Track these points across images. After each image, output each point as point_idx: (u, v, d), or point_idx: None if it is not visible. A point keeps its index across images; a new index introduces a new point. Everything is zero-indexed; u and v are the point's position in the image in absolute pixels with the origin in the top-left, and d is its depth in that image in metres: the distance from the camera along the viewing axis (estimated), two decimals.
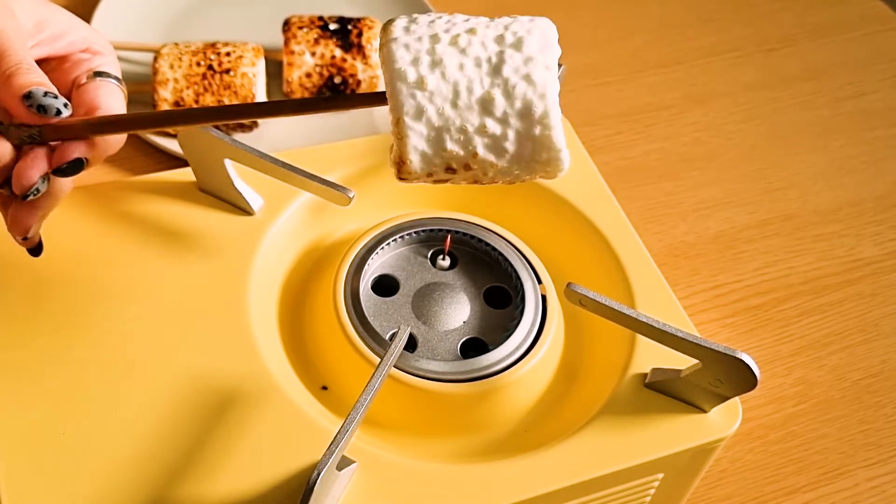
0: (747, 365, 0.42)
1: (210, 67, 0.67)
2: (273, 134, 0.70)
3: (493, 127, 0.36)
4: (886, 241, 0.72)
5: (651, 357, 0.48)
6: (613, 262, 0.52)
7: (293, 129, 0.70)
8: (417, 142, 0.36)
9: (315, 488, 0.37)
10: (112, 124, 0.40)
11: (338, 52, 0.70)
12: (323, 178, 0.48)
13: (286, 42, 0.70)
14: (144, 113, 0.41)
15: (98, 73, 0.42)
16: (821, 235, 0.72)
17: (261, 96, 0.69)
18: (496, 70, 0.36)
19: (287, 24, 0.71)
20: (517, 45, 0.36)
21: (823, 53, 0.87)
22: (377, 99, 0.37)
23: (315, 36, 0.70)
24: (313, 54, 0.70)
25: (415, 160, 0.37)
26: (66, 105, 0.39)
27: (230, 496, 0.41)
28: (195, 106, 0.66)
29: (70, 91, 0.42)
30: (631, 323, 0.44)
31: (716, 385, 0.44)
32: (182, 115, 0.45)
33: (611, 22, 0.87)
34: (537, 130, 0.37)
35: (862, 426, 0.61)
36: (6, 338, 0.45)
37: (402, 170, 0.37)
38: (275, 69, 0.73)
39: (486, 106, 0.36)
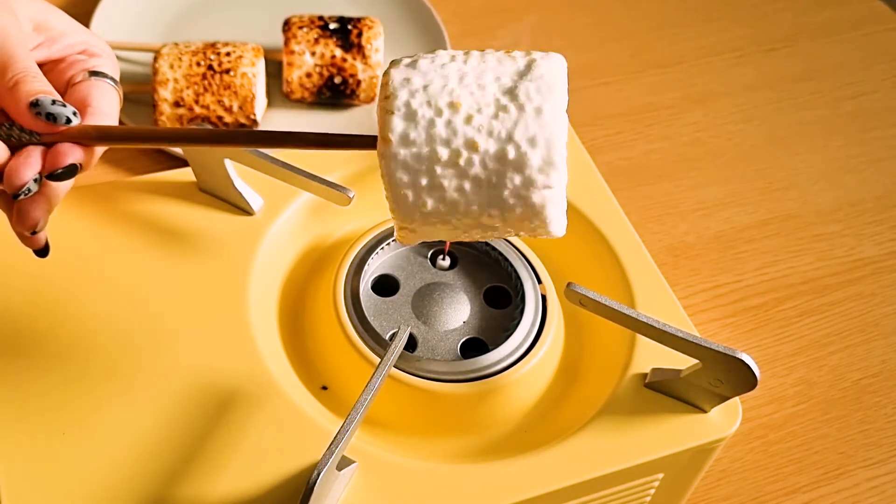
0: (747, 365, 0.42)
1: (210, 67, 0.67)
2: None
3: (493, 227, 0.38)
4: (886, 241, 0.72)
5: (651, 357, 0.48)
6: (613, 262, 0.52)
7: (293, 129, 0.70)
8: (417, 236, 0.38)
9: (315, 488, 0.37)
10: (113, 137, 0.40)
11: (338, 52, 0.70)
12: (323, 178, 0.48)
13: (286, 42, 0.70)
14: (145, 129, 0.41)
15: (94, 73, 0.42)
16: (821, 235, 0.72)
17: (261, 96, 0.69)
18: (496, 193, 0.36)
19: (287, 24, 0.71)
20: (519, 164, 0.35)
21: (823, 53, 0.87)
22: (371, 143, 0.37)
23: (315, 36, 0.70)
24: (313, 54, 0.70)
25: (415, 242, 0.39)
26: (75, 114, 0.39)
27: (230, 496, 0.41)
28: (194, 107, 0.66)
29: (65, 90, 0.41)
30: (631, 323, 0.44)
31: (716, 385, 0.44)
32: (183, 135, 0.45)
33: (611, 22, 0.87)
34: (533, 230, 0.38)
35: (862, 426, 0.61)
36: (6, 338, 0.45)
37: (399, 226, 0.39)
38: (275, 69, 0.73)
39: (483, 219, 0.37)
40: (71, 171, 0.39)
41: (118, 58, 0.76)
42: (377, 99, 0.37)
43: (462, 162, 0.35)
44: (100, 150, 0.41)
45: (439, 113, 0.35)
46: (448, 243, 0.51)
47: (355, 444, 0.43)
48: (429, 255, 0.52)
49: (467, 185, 0.36)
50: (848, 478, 0.59)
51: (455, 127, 0.35)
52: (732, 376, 0.43)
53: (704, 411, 0.46)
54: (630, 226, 0.54)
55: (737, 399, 0.46)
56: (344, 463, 0.42)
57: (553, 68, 0.36)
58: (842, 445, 0.60)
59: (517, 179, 0.36)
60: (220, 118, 0.68)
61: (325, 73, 0.70)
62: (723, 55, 0.85)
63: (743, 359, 0.42)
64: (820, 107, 0.82)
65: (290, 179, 0.48)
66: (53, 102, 0.38)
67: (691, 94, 0.81)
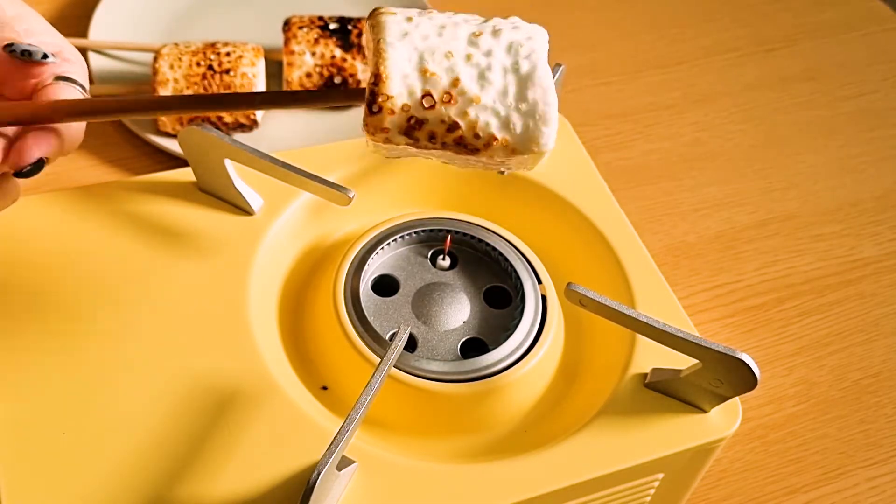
0: (747, 365, 0.42)
1: (210, 67, 0.67)
2: (273, 134, 0.70)
3: (479, 58, 0.36)
4: (886, 241, 0.72)
5: (651, 357, 0.48)
6: (613, 262, 0.52)
7: (293, 129, 0.71)
8: (398, 60, 0.35)
9: (315, 488, 0.37)
10: (77, 111, 0.39)
11: (338, 52, 0.70)
12: (323, 178, 0.48)
13: (286, 42, 0.70)
14: (108, 99, 0.40)
15: (62, 78, 0.41)
16: (821, 235, 0.72)
17: None
18: (492, 32, 0.36)
19: (287, 24, 0.71)
20: (511, 28, 0.37)
21: (823, 53, 0.87)
22: (359, 95, 0.36)
23: (315, 36, 0.70)
24: (313, 54, 0.70)
25: (394, 77, 0.35)
26: (53, 55, 0.38)
27: (230, 496, 0.41)
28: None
29: (31, 94, 0.41)
30: (631, 323, 0.44)
31: (716, 385, 0.44)
32: (153, 104, 0.44)
33: (611, 22, 0.87)
34: (524, 66, 0.36)
35: (862, 426, 0.61)
36: (6, 338, 0.45)
37: (378, 92, 0.35)
38: (275, 69, 0.73)
39: (472, 40, 0.36)
40: (39, 165, 0.38)
41: (118, 58, 0.76)
42: (365, 40, 0.36)
43: (459, 54, 0.35)
44: (69, 140, 0.40)
45: (436, 47, 0.36)
46: (448, 243, 0.51)
47: (355, 444, 0.43)
48: (429, 255, 0.52)
49: (455, 27, 0.36)
50: (848, 478, 0.59)
51: (452, 50, 0.36)
52: (732, 376, 0.43)
53: (704, 411, 0.46)
54: (630, 226, 0.54)
55: (737, 399, 0.46)
56: (344, 463, 0.42)
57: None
58: (842, 445, 0.60)
59: (507, 32, 0.37)
60: (219, 118, 0.68)
61: (325, 74, 0.70)
62: (723, 55, 0.85)
63: (743, 359, 0.42)
64: (820, 107, 0.82)
65: (290, 179, 0.48)
66: (28, 45, 0.38)
67: (691, 94, 0.81)
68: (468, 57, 0.36)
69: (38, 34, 0.42)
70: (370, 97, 0.35)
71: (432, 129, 0.35)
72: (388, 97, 0.35)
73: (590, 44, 0.84)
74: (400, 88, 0.35)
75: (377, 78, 0.35)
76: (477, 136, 0.35)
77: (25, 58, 0.38)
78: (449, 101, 0.35)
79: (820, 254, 0.71)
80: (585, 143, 0.58)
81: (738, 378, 0.43)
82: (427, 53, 0.35)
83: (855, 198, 0.75)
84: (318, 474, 0.37)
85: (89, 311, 0.47)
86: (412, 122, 0.35)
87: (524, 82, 0.36)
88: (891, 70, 0.86)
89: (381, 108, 0.35)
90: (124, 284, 0.48)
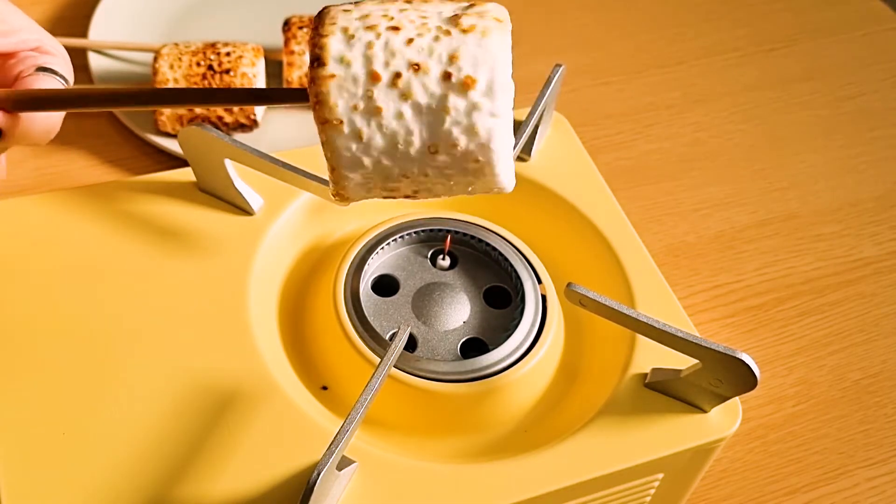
0: (747, 365, 0.42)
1: (210, 67, 0.67)
2: (273, 134, 0.70)
3: (434, 173, 0.35)
4: (886, 241, 0.72)
5: (651, 357, 0.48)
6: (613, 262, 0.52)
7: (293, 129, 0.71)
8: (355, 185, 0.36)
9: (315, 488, 0.37)
10: (36, 101, 0.39)
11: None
12: (323, 178, 0.48)
13: (286, 42, 0.70)
14: (65, 90, 0.39)
15: (43, 69, 0.41)
16: (821, 235, 0.72)
17: None
18: (438, 120, 0.33)
19: (287, 24, 0.71)
20: (462, 87, 0.33)
21: (823, 53, 0.87)
22: (301, 96, 0.36)
23: None
24: None
25: (353, 196, 0.36)
26: (32, 49, 0.38)
27: (230, 496, 0.41)
28: (194, 107, 0.66)
29: (12, 85, 0.41)
30: (631, 323, 0.44)
31: (716, 385, 0.44)
32: (111, 96, 0.43)
33: (611, 22, 0.87)
34: (480, 173, 0.35)
35: (862, 426, 0.61)
36: (6, 338, 0.45)
37: (339, 200, 0.37)
38: (275, 69, 0.73)
39: (425, 159, 0.34)
40: None
41: (118, 58, 0.76)
42: (310, 33, 0.35)
43: (401, 84, 0.33)
44: (38, 126, 0.39)
45: (378, 35, 0.33)
46: (448, 243, 0.51)
47: (355, 444, 0.43)
48: (429, 255, 0.52)
49: (407, 111, 0.33)
50: (848, 478, 0.59)
51: (394, 48, 0.33)
52: (732, 376, 0.43)
53: (704, 411, 0.46)
54: (630, 226, 0.54)
55: (737, 399, 0.46)
56: (344, 463, 0.42)
57: (495, 6, 0.35)
58: (842, 445, 0.60)
59: (461, 104, 0.33)
60: (220, 118, 0.68)
61: None
62: (723, 55, 0.85)
63: (743, 359, 0.42)
64: (820, 107, 0.82)
65: (290, 179, 0.48)
66: None
67: (691, 94, 0.81)
68: (423, 174, 0.35)
69: (17, 32, 0.42)
70: (335, 199, 0.37)
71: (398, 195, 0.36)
72: (350, 201, 0.37)
73: (590, 44, 0.84)
74: (361, 194, 0.36)
75: (337, 194, 0.37)
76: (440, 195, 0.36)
77: None
78: (405, 162, 0.35)
79: (820, 254, 0.71)
80: (585, 143, 0.58)
81: (738, 378, 0.43)
82: (382, 176, 0.35)
83: (855, 198, 0.75)
84: (318, 474, 0.37)
85: (89, 311, 0.47)
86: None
87: (483, 149, 0.34)
88: (891, 70, 0.86)
89: (346, 205, 0.37)
90: (124, 284, 0.48)
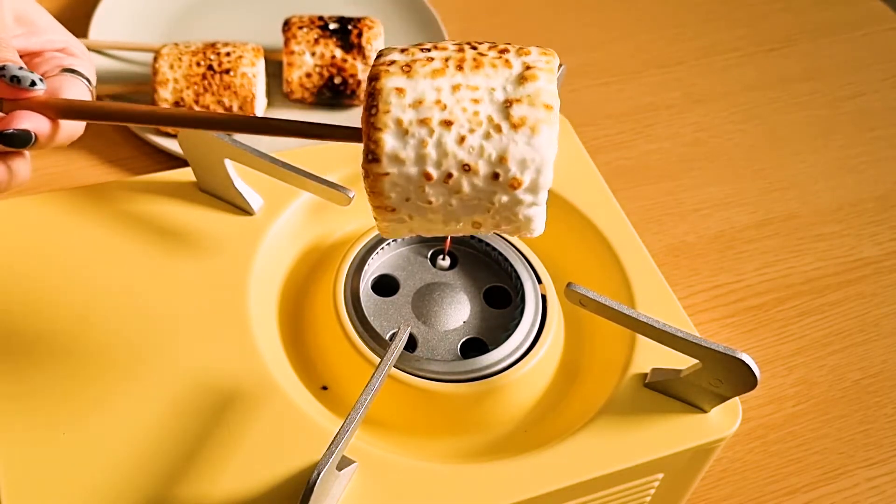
0: (747, 365, 0.42)
1: (210, 67, 0.67)
2: None
3: (476, 232, 0.38)
4: (886, 241, 0.72)
5: (651, 357, 0.48)
6: (613, 262, 0.52)
7: None
8: (399, 234, 0.38)
9: (315, 488, 0.37)
10: (78, 111, 0.39)
11: (338, 53, 0.70)
12: (323, 178, 0.48)
13: (286, 42, 0.70)
14: (114, 105, 0.40)
15: (68, 70, 0.41)
16: (821, 235, 0.72)
17: (260, 96, 0.69)
18: (482, 208, 0.36)
19: (287, 24, 0.71)
20: (510, 186, 0.35)
21: (823, 53, 0.87)
22: (354, 136, 0.37)
23: (315, 36, 0.70)
24: (313, 54, 0.70)
25: (393, 235, 0.38)
26: (41, 80, 0.38)
27: (230, 496, 0.41)
28: (195, 107, 0.67)
29: None
30: (631, 323, 0.44)
31: (716, 385, 0.44)
32: (156, 116, 0.44)
33: (611, 22, 0.87)
34: (516, 231, 0.38)
35: (862, 426, 0.61)
36: (5, 338, 0.45)
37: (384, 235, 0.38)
38: (275, 69, 0.73)
39: (470, 227, 0.37)
40: (24, 137, 0.38)
41: (118, 58, 0.76)
42: (364, 100, 0.36)
43: (452, 182, 0.35)
44: (66, 130, 0.40)
45: (431, 133, 0.34)
46: (448, 243, 0.51)
47: (355, 444, 0.43)
48: (429, 255, 0.52)
49: (454, 202, 0.36)
50: (848, 478, 0.59)
51: (446, 148, 0.35)
52: (732, 376, 0.43)
53: (704, 411, 0.46)
54: (630, 226, 0.54)
55: (737, 399, 0.46)
56: (344, 463, 0.42)
57: (548, 79, 0.35)
58: (842, 445, 0.60)
59: (504, 199, 0.35)
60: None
61: (325, 74, 0.70)
62: (723, 55, 0.85)
63: (743, 359, 0.42)
64: (820, 107, 0.82)
65: (290, 179, 0.48)
66: (20, 69, 0.38)
67: (691, 94, 0.81)
68: (462, 213, 0.37)
69: (43, 32, 0.42)
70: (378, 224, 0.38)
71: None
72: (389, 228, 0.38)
73: (590, 44, 0.84)
74: (397, 226, 0.38)
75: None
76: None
77: (14, 84, 0.38)
78: (449, 226, 0.37)
79: (820, 254, 0.71)
80: (585, 143, 0.58)
81: (738, 378, 0.43)
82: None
83: (855, 198, 0.75)
84: (318, 474, 0.37)
85: (89, 310, 0.47)
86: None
87: (521, 227, 0.37)
88: (891, 70, 0.86)
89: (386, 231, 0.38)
90: (124, 284, 0.48)
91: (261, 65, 0.69)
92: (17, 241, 0.49)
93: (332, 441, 0.38)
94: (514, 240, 0.52)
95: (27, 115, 0.39)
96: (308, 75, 0.70)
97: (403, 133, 0.34)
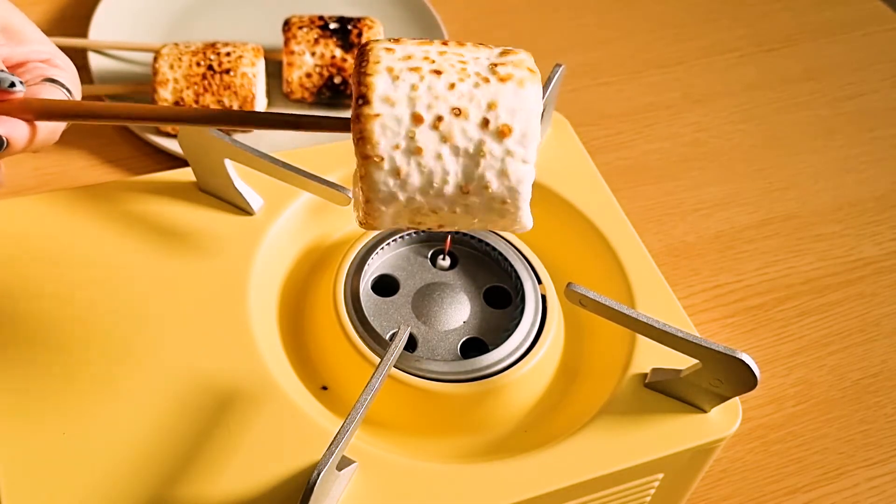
0: (747, 365, 0.42)
1: (210, 67, 0.67)
2: (273, 134, 0.70)
3: (462, 210, 0.37)
4: (886, 241, 0.72)
5: (651, 357, 0.48)
6: (613, 262, 0.52)
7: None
8: (385, 217, 0.37)
9: (315, 488, 0.37)
10: (56, 112, 0.39)
11: (338, 52, 0.70)
12: (323, 178, 0.48)
13: (286, 42, 0.70)
14: (92, 104, 0.40)
15: (50, 80, 0.41)
16: (821, 235, 0.72)
17: (260, 96, 0.69)
18: (474, 163, 0.35)
19: (287, 24, 0.71)
20: (499, 134, 0.35)
21: (823, 53, 0.87)
22: (342, 126, 0.36)
23: (315, 36, 0.70)
24: (313, 54, 0.70)
25: (381, 225, 0.37)
26: (21, 82, 0.38)
27: (230, 496, 0.41)
28: (194, 106, 0.66)
29: None
30: (631, 323, 0.44)
31: (716, 385, 0.44)
32: (137, 114, 0.43)
33: (611, 22, 0.87)
34: (505, 213, 0.37)
35: (862, 426, 0.61)
36: (6, 338, 0.45)
37: (366, 227, 0.37)
38: (275, 69, 0.73)
39: (457, 198, 0.36)
40: None
41: (118, 58, 0.76)
42: (354, 69, 0.36)
43: (443, 127, 0.35)
44: (41, 136, 0.40)
45: (422, 78, 0.35)
46: (448, 243, 0.51)
47: (355, 444, 0.43)
48: (429, 255, 0.52)
49: (446, 153, 0.35)
50: (848, 478, 0.59)
51: (437, 92, 0.35)
52: (732, 376, 0.43)
53: (704, 411, 0.46)
54: (630, 226, 0.54)
55: (737, 399, 0.46)
56: (344, 463, 0.42)
57: (528, 55, 0.36)
58: (842, 445, 0.60)
59: (496, 149, 0.35)
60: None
61: (325, 74, 0.70)
62: (723, 55, 0.85)
63: (743, 359, 0.42)
64: (820, 107, 0.82)
65: (290, 179, 0.48)
66: (0, 71, 0.38)
67: (691, 94, 0.81)
68: (452, 211, 0.37)
69: (29, 43, 0.42)
70: (360, 223, 0.37)
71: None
72: (374, 204, 0.36)
73: (590, 44, 0.84)
74: (389, 225, 0.37)
75: (366, 221, 0.37)
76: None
77: None
78: (438, 199, 0.36)
79: (820, 254, 0.71)
80: (585, 143, 0.58)
81: (738, 378, 0.43)
82: (412, 210, 0.36)
83: (855, 198, 0.75)
84: (318, 474, 0.37)
85: (89, 310, 0.47)
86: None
87: (512, 192, 0.36)
88: (891, 70, 0.86)
89: (369, 214, 0.37)
90: (124, 284, 0.48)
91: (261, 65, 0.69)
92: (17, 241, 0.49)
93: (332, 441, 0.38)
94: (515, 240, 0.52)
95: (2, 119, 0.38)
96: (308, 75, 0.70)
97: (394, 78, 0.35)
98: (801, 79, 0.84)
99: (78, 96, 0.43)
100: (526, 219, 0.37)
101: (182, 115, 0.43)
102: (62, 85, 0.41)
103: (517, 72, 0.35)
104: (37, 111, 0.39)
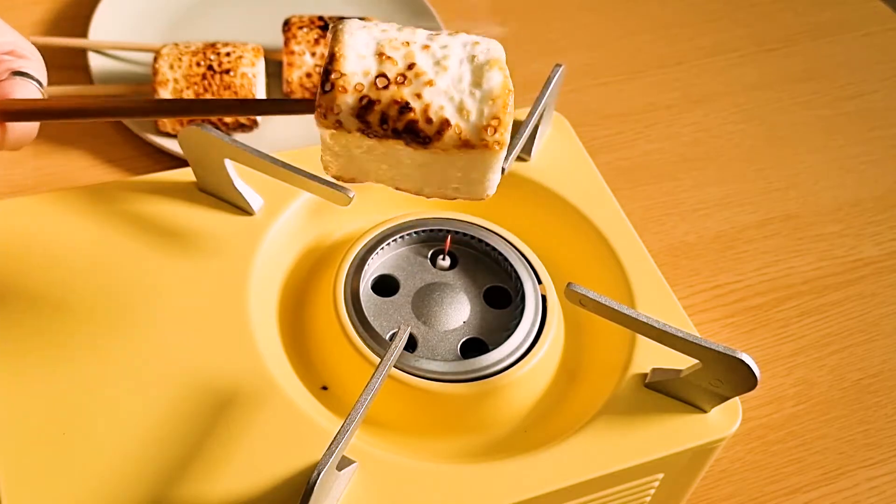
0: (747, 365, 0.42)
1: (210, 68, 0.67)
2: (273, 134, 0.70)
3: (435, 49, 0.36)
4: (886, 241, 0.72)
5: (651, 357, 0.48)
6: (613, 262, 0.52)
7: (293, 129, 0.71)
8: (354, 44, 0.36)
9: (315, 488, 0.37)
10: (19, 113, 0.39)
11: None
12: (323, 178, 0.48)
13: (286, 42, 0.70)
14: (51, 101, 0.39)
15: (18, 73, 0.41)
16: (821, 235, 0.72)
17: (261, 96, 0.69)
18: (441, 33, 0.36)
19: (287, 24, 0.71)
20: (478, 74, 0.36)
21: (823, 53, 0.87)
22: (308, 108, 0.36)
23: (315, 36, 0.70)
24: (313, 54, 0.70)
25: (349, 57, 0.36)
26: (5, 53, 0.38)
27: (230, 496, 0.41)
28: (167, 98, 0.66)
29: None
30: (631, 323, 0.44)
31: (716, 385, 0.44)
32: (100, 109, 0.43)
33: (611, 22, 0.87)
34: (480, 57, 0.36)
35: (862, 426, 0.61)
36: (5, 338, 0.45)
37: (332, 69, 0.35)
38: (275, 69, 0.73)
39: (430, 36, 0.36)
40: None
41: (118, 58, 0.76)
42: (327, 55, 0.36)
43: (416, 67, 0.35)
44: (14, 135, 0.40)
45: (394, 37, 0.36)
46: (448, 243, 0.51)
47: (355, 444, 0.43)
48: (429, 255, 0.52)
49: (416, 51, 0.35)
50: (848, 478, 0.59)
51: (411, 50, 0.35)
52: (732, 376, 0.43)
53: (704, 411, 0.46)
54: (630, 226, 0.54)
55: (737, 399, 0.46)
56: (344, 463, 0.42)
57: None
58: (842, 445, 0.60)
59: (459, 44, 0.36)
60: (219, 118, 0.68)
61: None
62: (723, 55, 0.85)
63: (743, 359, 0.42)
64: (820, 107, 0.82)
65: (290, 179, 0.48)
66: None
67: (691, 94, 0.81)
68: (425, 47, 0.36)
69: None
70: (324, 76, 0.35)
71: (384, 111, 0.35)
72: (342, 74, 0.35)
73: (590, 44, 0.84)
74: (354, 67, 0.35)
75: (332, 57, 0.35)
76: (429, 120, 0.35)
77: None
78: (402, 83, 0.35)
79: (820, 254, 0.71)
80: (585, 143, 0.58)
81: (738, 378, 0.43)
82: (384, 41, 0.35)
83: (855, 198, 0.75)
84: (318, 474, 0.37)
85: (89, 310, 0.47)
86: (364, 101, 0.35)
87: (480, 70, 0.36)
88: (891, 70, 0.86)
89: (333, 86, 0.35)
90: (124, 284, 0.48)
91: (261, 65, 0.69)
92: (17, 241, 0.49)
93: (332, 441, 0.38)
94: (515, 239, 0.52)
95: None
96: (308, 75, 0.70)
97: (366, 28, 0.36)
98: (801, 79, 0.84)
99: (45, 84, 0.42)
100: (498, 137, 0.36)
101: (152, 108, 0.42)
102: (30, 76, 0.41)
103: (483, 41, 0.36)
104: (6, 113, 0.39)
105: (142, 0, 0.78)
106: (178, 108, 0.40)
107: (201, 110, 0.38)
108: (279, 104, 0.38)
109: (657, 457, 0.45)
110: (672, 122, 0.79)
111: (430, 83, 0.35)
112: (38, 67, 0.42)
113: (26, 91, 0.40)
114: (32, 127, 0.40)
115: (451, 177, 0.37)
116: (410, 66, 0.35)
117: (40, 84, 0.41)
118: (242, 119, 0.68)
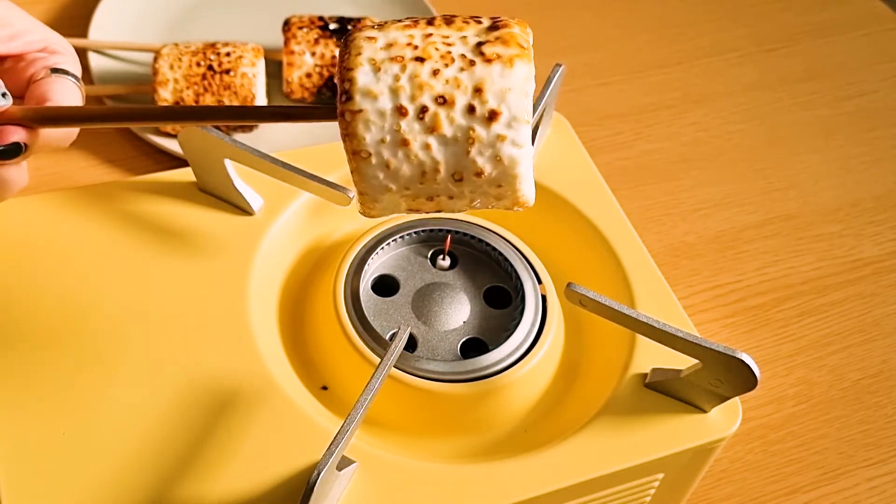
0: (747, 365, 0.42)
1: (210, 68, 0.67)
2: (273, 134, 0.70)
3: (458, 195, 0.36)
4: (886, 241, 0.72)
5: (651, 357, 0.48)
6: (613, 262, 0.52)
7: (293, 129, 0.71)
8: (381, 208, 0.36)
9: (315, 488, 0.37)
10: (54, 118, 0.39)
11: (338, 52, 0.70)
12: (323, 178, 0.48)
13: (286, 42, 0.70)
14: (91, 108, 0.39)
15: (55, 70, 0.41)
16: (821, 235, 0.72)
17: (260, 96, 0.69)
18: (463, 150, 0.34)
19: (287, 24, 0.71)
20: (487, 119, 0.34)
21: (823, 53, 0.87)
22: (331, 114, 0.36)
23: (315, 36, 0.70)
24: (313, 54, 0.70)
25: (379, 214, 0.37)
26: (3, 94, 0.38)
27: (230, 496, 0.41)
28: (193, 105, 0.66)
29: (25, 88, 0.41)
30: (631, 323, 0.44)
31: (716, 385, 0.44)
32: (135, 114, 0.43)
33: (611, 22, 0.87)
34: (502, 195, 0.36)
35: (862, 426, 0.61)
36: (5, 338, 0.45)
37: (365, 216, 0.37)
38: (275, 69, 0.73)
39: (450, 185, 0.35)
40: (15, 149, 0.38)
41: (118, 58, 0.76)
42: (338, 63, 0.36)
43: (427, 118, 0.34)
44: (48, 135, 0.40)
45: (403, 68, 0.34)
46: (448, 243, 0.51)
47: (355, 444, 0.43)
48: (429, 255, 0.52)
49: (433, 143, 0.34)
50: (848, 478, 0.59)
51: (420, 81, 0.34)
52: (732, 376, 0.43)
53: (704, 411, 0.46)
54: (630, 226, 0.54)
55: (737, 399, 0.46)
56: (344, 463, 0.42)
57: (521, 28, 0.36)
58: (842, 445, 0.60)
59: (485, 135, 0.34)
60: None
61: (325, 74, 0.70)
62: (723, 55, 0.85)
63: (743, 359, 0.42)
64: (820, 107, 0.82)
65: (290, 179, 0.48)
66: None
67: (691, 94, 0.81)
68: (448, 195, 0.36)
69: (21, 35, 0.42)
70: (361, 211, 0.37)
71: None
72: (369, 196, 0.36)
73: (590, 44, 0.84)
74: (386, 213, 0.37)
75: (364, 213, 0.37)
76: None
77: None
78: (432, 183, 0.35)
79: (820, 254, 0.71)
80: (585, 143, 0.58)
81: (738, 378, 0.43)
82: (408, 196, 0.36)
83: (855, 198, 0.75)
84: (318, 474, 0.37)
85: (89, 311, 0.47)
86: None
87: (507, 174, 0.35)
88: (891, 70, 0.86)
89: (366, 205, 0.36)
90: (124, 284, 0.48)
91: (261, 65, 0.69)
92: (17, 241, 0.49)
93: (332, 441, 0.38)
94: (515, 239, 0.52)
95: (12, 129, 0.38)
96: (308, 75, 0.70)
97: (376, 70, 0.34)
98: (801, 79, 0.84)
99: (80, 76, 0.42)
100: (526, 196, 0.36)
101: (181, 114, 0.42)
102: (67, 72, 0.41)
103: (505, 50, 0.34)
104: (36, 119, 0.39)
105: (142, 0, 0.78)
106: (225, 113, 0.40)
107: (254, 116, 0.38)
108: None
109: (657, 457, 0.45)
110: (672, 122, 0.79)
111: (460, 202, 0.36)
112: (72, 62, 0.42)
113: (65, 89, 0.40)
114: (68, 132, 0.41)
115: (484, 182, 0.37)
116: (438, 205, 0.36)
117: (77, 79, 0.42)
118: None
